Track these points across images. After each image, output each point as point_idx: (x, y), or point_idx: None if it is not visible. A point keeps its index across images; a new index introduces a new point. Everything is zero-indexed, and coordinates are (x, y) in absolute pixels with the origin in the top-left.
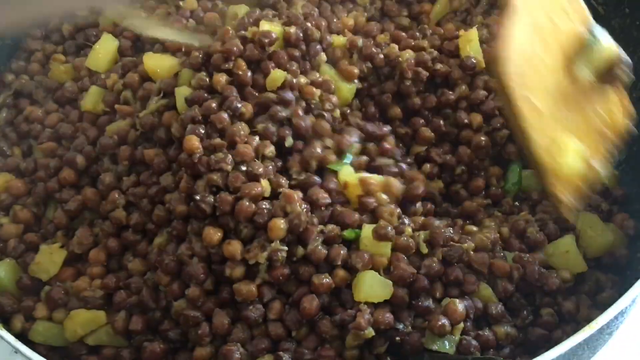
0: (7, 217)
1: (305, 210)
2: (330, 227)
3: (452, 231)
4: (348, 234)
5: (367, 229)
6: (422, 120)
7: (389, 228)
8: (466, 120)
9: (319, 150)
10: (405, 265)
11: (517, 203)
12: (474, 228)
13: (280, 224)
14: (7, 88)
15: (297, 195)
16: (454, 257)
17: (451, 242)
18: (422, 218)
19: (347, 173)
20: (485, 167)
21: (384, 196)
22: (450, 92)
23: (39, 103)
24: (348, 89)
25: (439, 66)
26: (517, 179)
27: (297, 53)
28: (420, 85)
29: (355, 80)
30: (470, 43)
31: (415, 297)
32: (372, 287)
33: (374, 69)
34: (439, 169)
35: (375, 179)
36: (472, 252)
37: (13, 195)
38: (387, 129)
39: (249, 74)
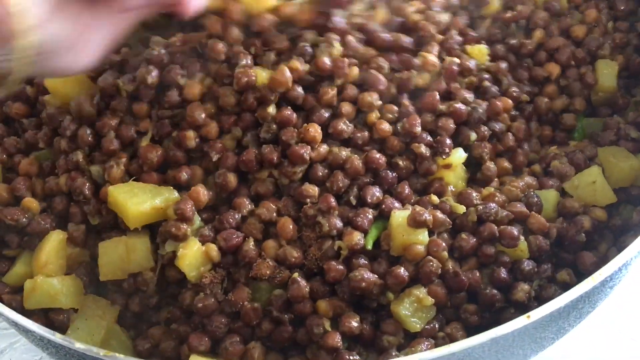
0: None
1: None
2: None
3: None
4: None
5: (400, 216)
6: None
7: (426, 214)
8: (545, 74)
9: None
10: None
11: None
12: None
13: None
14: None
15: None
16: (490, 215)
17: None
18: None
19: None
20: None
21: None
22: (528, 41)
23: None
24: None
25: (519, 7)
26: (581, 126)
27: None
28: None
29: None
30: None
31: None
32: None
33: None
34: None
35: None
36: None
37: None
38: None
39: None
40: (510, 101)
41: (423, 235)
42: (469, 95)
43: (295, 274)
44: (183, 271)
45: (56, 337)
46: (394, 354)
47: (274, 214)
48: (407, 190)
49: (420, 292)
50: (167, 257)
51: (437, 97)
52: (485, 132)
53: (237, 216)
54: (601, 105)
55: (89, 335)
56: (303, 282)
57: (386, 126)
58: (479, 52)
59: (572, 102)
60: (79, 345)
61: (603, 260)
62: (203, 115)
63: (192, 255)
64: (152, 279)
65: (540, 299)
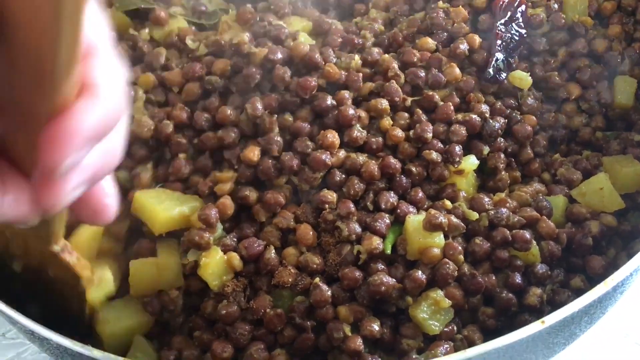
0: None
1: None
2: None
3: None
4: (389, 241)
5: (415, 220)
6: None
7: (441, 217)
8: (564, 95)
9: None
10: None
11: None
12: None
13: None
14: None
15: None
16: (502, 220)
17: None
18: None
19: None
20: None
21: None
22: (552, 60)
23: None
24: None
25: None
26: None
27: None
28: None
29: None
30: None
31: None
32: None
33: None
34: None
35: None
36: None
37: None
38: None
39: None
40: (534, 118)
41: (439, 238)
42: (486, 108)
43: (317, 279)
44: (206, 280)
45: (75, 345)
46: (414, 357)
47: (292, 222)
48: (420, 195)
49: (438, 294)
50: (190, 266)
51: (452, 108)
52: (502, 144)
53: (256, 225)
54: (617, 119)
55: (115, 327)
56: (325, 287)
57: (399, 132)
58: (521, 81)
59: (592, 120)
60: (96, 353)
61: (612, 265)
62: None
63: (214, 264)
64: (178, 297)
65: (553, 304)
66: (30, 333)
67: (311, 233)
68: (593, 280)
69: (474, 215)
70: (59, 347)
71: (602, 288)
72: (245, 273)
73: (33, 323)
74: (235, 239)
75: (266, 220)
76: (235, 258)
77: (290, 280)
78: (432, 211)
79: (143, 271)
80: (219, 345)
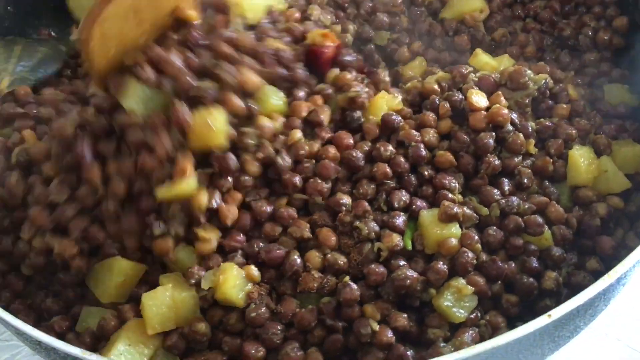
0: None
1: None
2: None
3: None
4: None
5: (429, 214)
6: None
7: (456, 207)
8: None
9: None
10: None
11: None
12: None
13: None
14: None
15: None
16: (513, 208)
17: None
18: None
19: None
20: None
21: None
22: None
23: None
24: None
25: None
26: None
27: None
28: None
29: None
30: None
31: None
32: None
33: None
34: None
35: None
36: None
37: None
38: None
39: None
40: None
41: (455, 228)
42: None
43: (347, 278)
44: (229, 297)
45: (69, 348)
46: (441, 345)
47: (307, 231)
48: (431, 190)
49: (459, 282)
50: (210, 296)
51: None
52: None
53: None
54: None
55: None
56: (354, 286)
57: None
58: None
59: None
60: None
61: (621, 245)
62: None
63: (234, 278)
64: (206, 327)
65: (570, 286)
66: (22, 335)
67: (333, 235)
68: (606, 261)
69: (485, 211)
70: (51, 350)
71: (606, 280)
72: (267, 280)
73: (25, 325)
74: (244, 256)
75: (279, 234)
76: (252, 269)
77: (315, 285)
78: (446, 203)
79: (158, 301)
80: (251, 345)
